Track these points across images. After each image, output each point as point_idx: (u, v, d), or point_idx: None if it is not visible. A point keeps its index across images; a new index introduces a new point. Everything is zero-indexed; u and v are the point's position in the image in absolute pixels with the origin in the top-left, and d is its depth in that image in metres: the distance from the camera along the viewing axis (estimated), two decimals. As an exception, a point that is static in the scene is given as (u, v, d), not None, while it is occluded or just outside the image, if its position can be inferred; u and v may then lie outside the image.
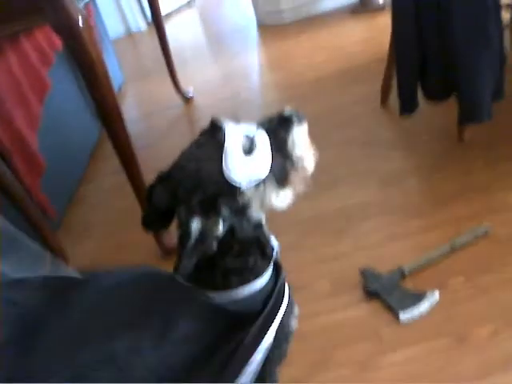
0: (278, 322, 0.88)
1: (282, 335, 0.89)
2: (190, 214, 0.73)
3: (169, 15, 5.22)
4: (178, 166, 0.78)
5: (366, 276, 1.41)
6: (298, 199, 0.84)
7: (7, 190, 1.62)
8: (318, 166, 0.86)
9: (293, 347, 0.96)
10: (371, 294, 1.37)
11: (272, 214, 0.83)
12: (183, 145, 0.81)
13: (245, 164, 0.74)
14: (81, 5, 1.44)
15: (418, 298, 1.31)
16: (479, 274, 1.36)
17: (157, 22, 2.74)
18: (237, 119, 0.81)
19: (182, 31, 4.73)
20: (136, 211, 0.89)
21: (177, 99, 2.95)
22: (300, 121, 0.82)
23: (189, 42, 4.22)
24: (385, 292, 1.35)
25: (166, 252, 1.66)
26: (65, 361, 0.79)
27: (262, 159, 0.76)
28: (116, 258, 1.72)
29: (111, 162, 1.76)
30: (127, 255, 1.70)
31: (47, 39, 2.24)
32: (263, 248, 0.84)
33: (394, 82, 1.99)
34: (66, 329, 0.84)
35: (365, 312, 1.35)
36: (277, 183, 0.78)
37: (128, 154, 1.55)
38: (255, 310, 0.85)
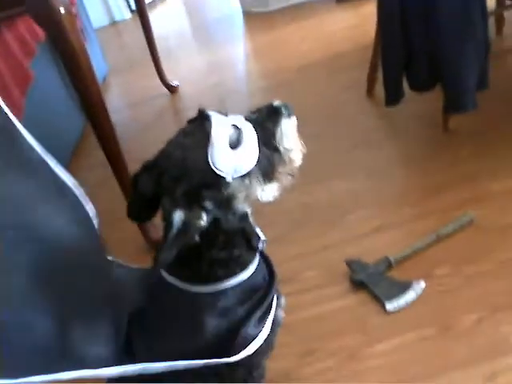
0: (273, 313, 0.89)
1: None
2: (174, 206, 0.72)
3: (153, 4, 5.15)
4: (164, 154, 0.77)
5: (353, 266, 1.42)
6: (286, 191, 0.83)
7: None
8: (305, 156, 0.86)
9: (281, 339, 0.96)
10: (358, 285, 1.38)
11: (259, 205, 0.83)
12: (169, 135, 0.80)
13: (231, 155, 0.74)
14: (62, -7, 1.41)
15: (404, 287, 1.32)
16: (464, 262, 1.37)
17: (141, 10, 2.71)
18: (224, 109, 0.81)
19: (167, 20, 4.67)
20: (122, 206, 0.88)
21: (162, 89, 2.92)
22: (289, 113, 0.81)
23: (174, 31, 4.17)
24: (371, 282, 1.36)
25: (153, 245, 1.65)
26: None
27: (249, 151, 0.75)
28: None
29: (96, 154, 1.73)
30: (113, 251, 1.68)
31: (29, 30, 2.20)
32: (249, 239, 0.84)
33: (380, 71, 1.99)
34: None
35: (352, 302, 1.35)
36: (263, 176, 0.78)
37: (112, 145, 1.53)
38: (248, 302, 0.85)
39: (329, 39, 3.08)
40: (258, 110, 0.81)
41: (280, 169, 0.80)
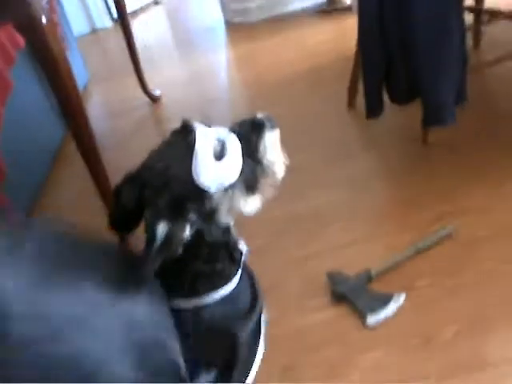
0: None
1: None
2: (157, 218, 0.72)
3: (135, 12, 5.14)
4: (147, 166, 0.77)
5: (334, 279, 1.42)
6: (268, 202, 0.84)
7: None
8: (287, 168, 0.86)
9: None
10: (339, 297, 1.38)
11: (242, 216, 0.82)
12: (150, 145, 0.80)
13: (214, 168, 0.74)
14: (44, 1, 1.40)
15: (384, 300, 1.32)
16: (444, 275, 1.38)
17: (122, 19, 2.70)
18: (208, 121, 0.81)
19: (149, 29, 4.67)
20: (103, 216, 0.87)
21: (144, 98, 2.91)
22: (272, 126, 0.82)
23: (156, 41, 4.16)
24: (352, 295, 1.36)
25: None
26: None
27: (232, 164, 0.76)
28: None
29: (76, 164, 1.71)
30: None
31: (9, 37, 2.17)
32: (231, 253, 0.84)
33: (361, 84, 2.01)
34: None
35: (333, 315, 1.35)
36: (246, 188, 0.78)
37: (93, 154, 1.52)
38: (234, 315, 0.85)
39: (310, 51, 3.10)
40: (242, 122, 0.82)
41: (263, 181, 0.81)
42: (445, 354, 1.19)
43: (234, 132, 0.79)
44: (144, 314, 0.75)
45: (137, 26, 4.27)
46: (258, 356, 0.89)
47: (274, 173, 0.82)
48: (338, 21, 3.54)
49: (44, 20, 1.32)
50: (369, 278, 1.40)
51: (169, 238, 0.71)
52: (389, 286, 1.38)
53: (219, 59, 3.51)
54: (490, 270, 1.37)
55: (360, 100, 2.13)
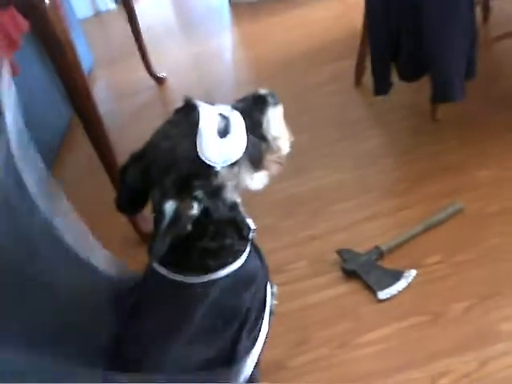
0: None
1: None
2: (164, 196, 0.72)
3: (138, -6, 5.09)
4: (152, 145, 0.77)
5: (344, 256, 1.42)
6: (274, 182, 0.84)
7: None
8: (293, 147, 0.86)
9: (273, 329, 0.97)
10: (349, 274, 1.38)
11: (248, 197, 0.83)
12: (157, 126, 0.79)
13: (219, 144, 0.74)
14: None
15: (395, 276, 1.32)
16: (454, 251, 1.38)
17: (126, 1, 2.67)
18: (211, 99, 0.80)
19: (152, 11, 4.62)
20: (111, 198, 0.87)
21: (149, 81, 2.89)
22: (275, 102, 0.82)
23: (160, 22, 4.12)
24: (363, 271, 1.36)
25: (144, 238, 1.64)
26: None
27: (237, 140, 0.76)
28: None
29: (84, 147, 1.71)
30: (101, 244, 1.67)
31: (12, 21, 2.15)
32: (240, 229, 0.84)
33: (368, 61, 1.99)
34: None
35: (343, 291, 1.36)
36: (252, 164, 0.78)
37: (100, 136, 1.51)
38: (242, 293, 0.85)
39: (315, 29, 3.06)
40: (244, 99, 0.82)
41: (268, 157, 0.81)
42: (456, 329, 1.19)
43: (237, 109, 0.79)
44: None
45: (140, 8, 4.23)
46: (264, 328, 0.89)
47: (279, 148, 0.82)
48: (342, -3, 3.49)
49: (47, 2, 1.31)
50: (379, 254, 1.40)
51: (177, 215, 0.72)
52: (399, 262, 1.38)
53: (224, 39, 3.47)
54: (499, 246, 1.37)
55: (367, 77, 2.11)
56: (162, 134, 0.77)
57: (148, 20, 3.86)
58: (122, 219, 1.60)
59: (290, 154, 0.85)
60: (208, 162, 0.73)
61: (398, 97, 2.02)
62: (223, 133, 0.75)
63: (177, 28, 4.04)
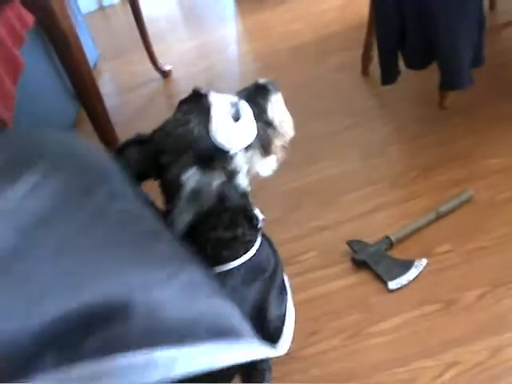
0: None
1: None
2: (185, 168, 0.72)
3: (141, -13, 5.07)
4: (163, 133, 0.77)
5: (353, 246, 1.42)
6: (282, 173, 0.85)
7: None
8: (300, 137, 0.88)
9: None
10: (359, 264, 1.38)
11: (256, 188, 0.83)
12: (163, 119, 0.80)
13: (233, 130, 0.75)
14: (50, -23, 1.38)
15: (405, 266, 1.32)
16: (464, 239, 1.37)
17: (130, -6, 2.66)
18: (216, 91, 0.82)
19: (156, 3, 4.61)
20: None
21: (154, 74, 2.88)
22: (275, 89, 0.84)
23: (164, 14, 4.11)
24: (373, 261, 1.36)
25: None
26: None
27: (248, 125, 0.78)
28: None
29: (90, 141, 1.71)
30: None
31: (18, 16, 2.15)
32: (250, 218, 0.84)
33: (375, 50, 1.97)
34: None
35: (354, 282, 1.35)
36: (262, 149, 0.80)
37: (106, 127, 1.52)
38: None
39: (320, 19, 3.04)
40: (246, 89, 0.84)
41: (276, 141, 0.83)
42: (468, 318, 1.19)
43: (241, 97, 0.81)
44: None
45: (144, 0, 4.22)
46: (288, 319, 0.90)
47: (284, 132, 0.84)
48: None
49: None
50: (389, 244, 1.40)
51: (199, 186, 0.72)
52: (409, 252, 1.38)
53: (228, 31, 3.46)
54: (510, 233, 1.36)
55: (374, 66, 2.09)
56: (174, 123, 0.77)
57: (152, 13, 3.85)
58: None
59: (297, 145, 0.86)
60: (223, 147, 0.74)
61: (405, 85, 2.01)
62: (235, 118, 0.77)
63: (181, 20, 4.03)
